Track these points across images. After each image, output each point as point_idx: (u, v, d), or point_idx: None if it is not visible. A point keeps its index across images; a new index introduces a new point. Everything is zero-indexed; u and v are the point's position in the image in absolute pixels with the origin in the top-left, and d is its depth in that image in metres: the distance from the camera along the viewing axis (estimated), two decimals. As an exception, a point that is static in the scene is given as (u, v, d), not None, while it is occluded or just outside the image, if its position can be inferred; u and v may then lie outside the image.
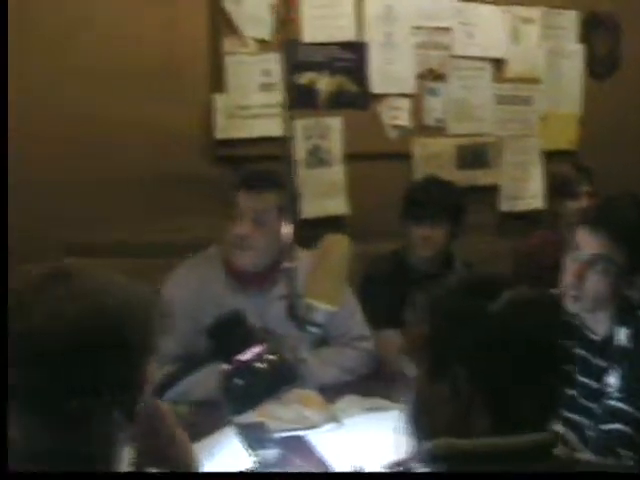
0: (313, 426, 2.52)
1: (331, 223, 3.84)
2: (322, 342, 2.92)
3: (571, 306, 2.34)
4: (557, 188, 4.01)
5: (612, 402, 2.29)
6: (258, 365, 1.93)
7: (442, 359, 1.41)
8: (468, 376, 1.35)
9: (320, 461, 2.32)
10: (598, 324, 2.38)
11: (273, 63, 3.81)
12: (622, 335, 2.33)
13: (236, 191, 2.93)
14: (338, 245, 2.19)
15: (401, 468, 1.58)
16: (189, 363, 1.96)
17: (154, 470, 1.59)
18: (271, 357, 1.95)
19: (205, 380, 2.11)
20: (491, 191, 4.38)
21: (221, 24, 3.73)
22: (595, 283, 2.29)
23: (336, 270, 2.16)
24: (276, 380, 1.96)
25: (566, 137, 4.50)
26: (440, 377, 1.40)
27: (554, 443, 1.36)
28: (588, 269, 2.29)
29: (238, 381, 1.91)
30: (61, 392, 1.29)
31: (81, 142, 3.56)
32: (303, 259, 2.50)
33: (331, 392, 2.75)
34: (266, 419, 2.43)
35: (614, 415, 2.26)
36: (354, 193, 3.99)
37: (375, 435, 2.44)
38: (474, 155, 4.30)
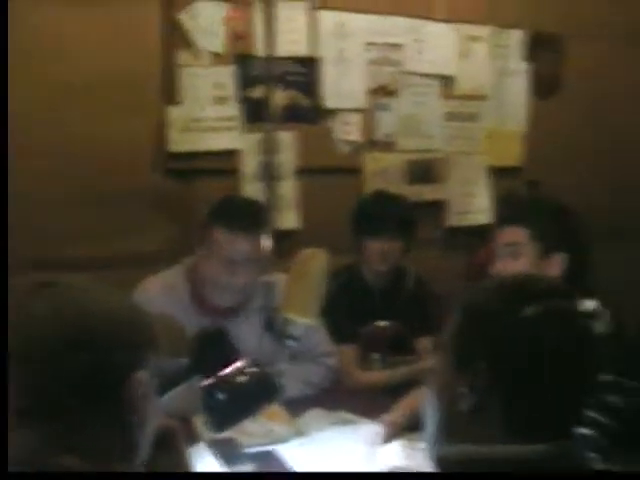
0: (281, 440, 2.52)
1: (283, 237, 3.82)
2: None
3: None
4: (505, 202, 4.10)
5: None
6: (240, 379, 1.93)
7: (467, 354, 1.42)
8: (488, 372, 1.37)
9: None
10: None
11: (226, 76, 3.80)
12: None
13: (210, 226, 2.82)
14: (315, 258, 2.17)
15: None
16: (170, 378, 1.93)
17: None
18: (253, 370, 1.94)
19: (184, 396, 2.07)
20: (439, 206, 4.43)
21: (175, 37, 3.70)
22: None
23: (313, 283, 2.15)
24: (258, 394, 1.96)
25: (511, 153, 4.59)
26: (461, 372, 1.41)
27: (570, 451, 1.38)
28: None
29: (221, 396, 1.90)
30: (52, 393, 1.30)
31: (38, 156, 3.49)
32: (277, 273, 2.49)
33: (296, 406, 2.74)
34: (235, 434, 2.41)
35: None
36: (306, 207, 3.99)
37: (343, 448, 2.45)
38: (422, 170, 4.34)
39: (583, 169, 4.67)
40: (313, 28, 3.97)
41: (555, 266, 2.50)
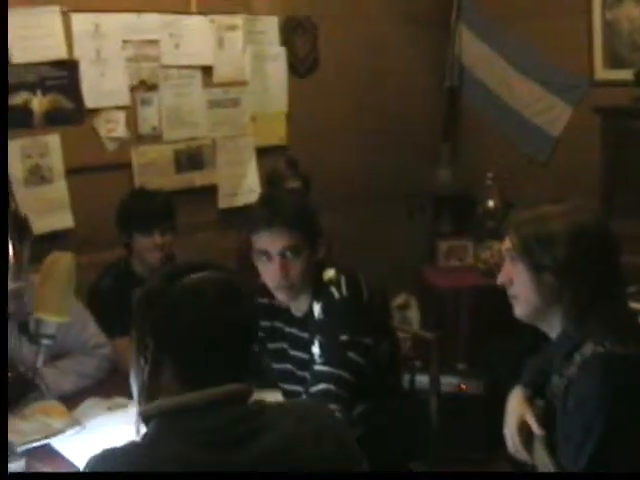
0: (57, 433, 2.64)
1: (58, 238, 3.93)
2: (61, 355, 3.04)
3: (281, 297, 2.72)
4: (270, 181, 4.36)
5: (317, 367, 2.64)
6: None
7: (140, 333, 1.71)
8: (155, 344, 1.66)
9: (68, 464, 2.47)
10: (300, 303, 2.76)
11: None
12: (317, 309, 2.72)
13: None
14: (62, 261, 2.37)
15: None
16: None
17: None
18: (11, 372, 2.11)
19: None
20: (210, 190, 4.64)
21: None
22: (294, 271, 2.66)
23: (62, 284, 2.35)
24: (19, 392, 2.12)
25: (276, 133, 4.87)
26: (140, 348, 1.70)
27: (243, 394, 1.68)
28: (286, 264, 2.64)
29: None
30: None
31: None
32: (30, 277, 2.64)
33: (72, 398, 2.90)
34: (10, 435, 2.52)
35: (320, 377, 2.60)
36: (79, 206, 4.09)
37: (118, 430, 2.62)
38: (191, 158, 4.54)
39: (342, 144, 5.04)
40: (67, 31, 4.02)
41: (320, 252, 2.77)
